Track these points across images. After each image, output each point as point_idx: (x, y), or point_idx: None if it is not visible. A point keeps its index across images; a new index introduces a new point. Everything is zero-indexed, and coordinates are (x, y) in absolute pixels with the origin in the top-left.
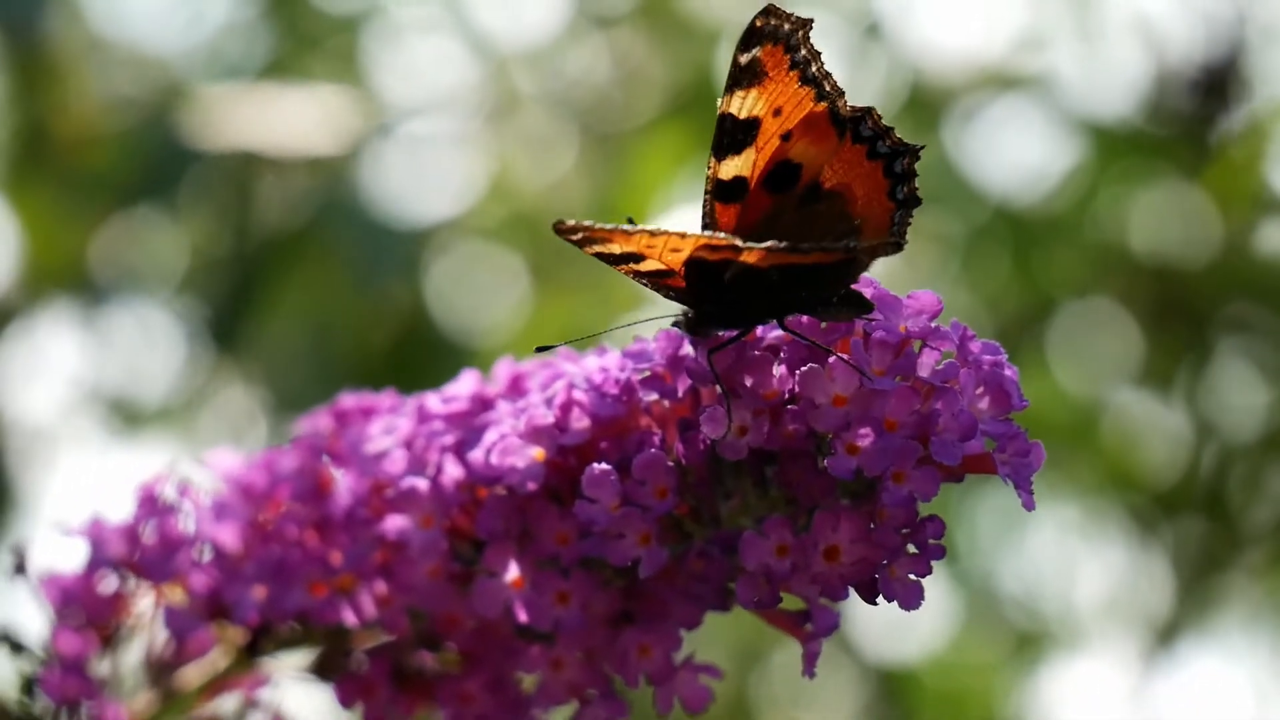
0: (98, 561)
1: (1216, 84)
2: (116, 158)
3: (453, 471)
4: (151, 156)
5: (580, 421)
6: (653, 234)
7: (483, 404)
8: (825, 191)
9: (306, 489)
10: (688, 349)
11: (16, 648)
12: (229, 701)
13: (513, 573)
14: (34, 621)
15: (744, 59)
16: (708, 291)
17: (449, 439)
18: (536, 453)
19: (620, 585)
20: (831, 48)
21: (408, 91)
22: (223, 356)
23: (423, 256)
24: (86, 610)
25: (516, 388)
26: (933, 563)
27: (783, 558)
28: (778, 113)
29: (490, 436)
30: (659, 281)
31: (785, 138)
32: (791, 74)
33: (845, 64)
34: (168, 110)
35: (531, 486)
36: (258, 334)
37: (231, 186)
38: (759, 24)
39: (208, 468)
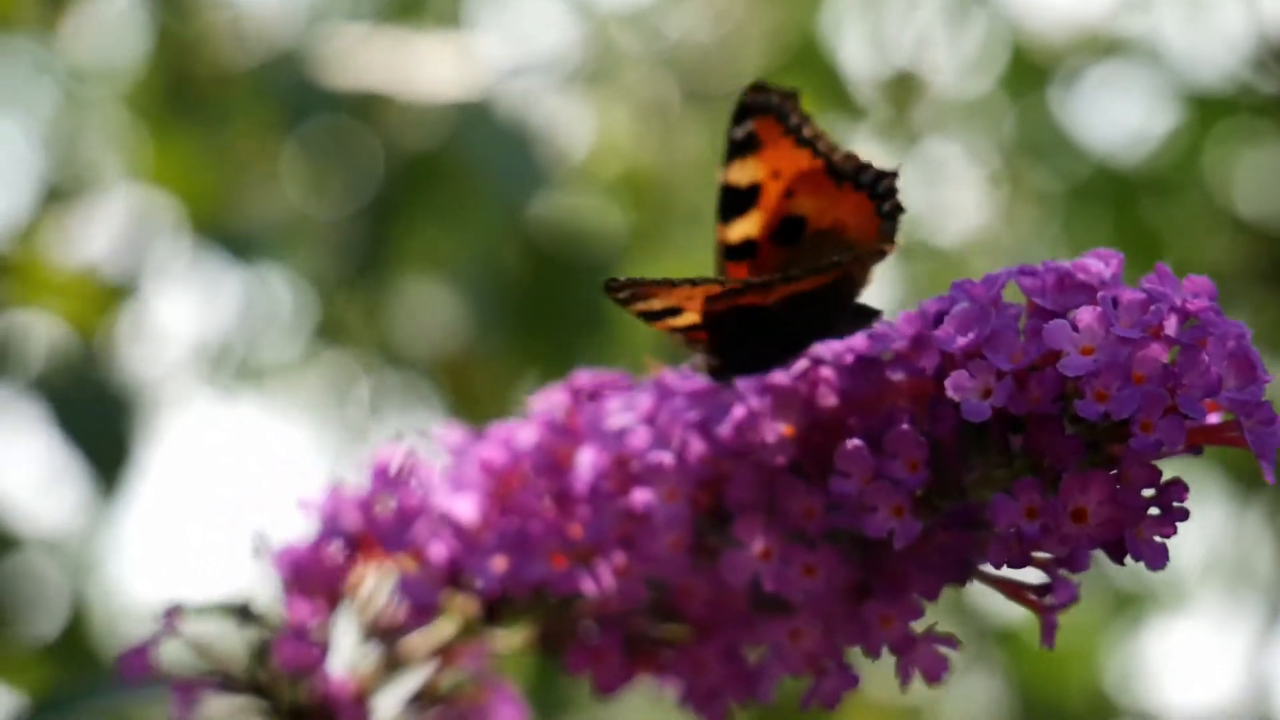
0: (331, 531)
1: None
2: (251, 95)
3: (697, 446)
4: (284, 94)
5: (828, 398)
6: (694, 284)
7: None
8: (825, 231)
9: (545, 463)
10: (932, 330)
11: (247, 617)
12: (454, 673)
13: (760, 545)
14: (262, 594)
15: (740, 134)
16: (730, 339)
17: (692, 415)
18: (785, 428)
19: (858, 558)
20: (930, 9)
21: (510, 51)
22: (363, 282)
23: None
24: (317, 579)
25: None
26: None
27: (1032, 520)
28: (777, 175)
29: (738, 412)
30: (691, 335)
31: (788, 195)
32: (786, 139)
33: (944, 25)
34: (299, 48)
35: (780, 461)
36: (400, 256)
37: (365, 123)
38: (749, 99)
39: (438, 442)
